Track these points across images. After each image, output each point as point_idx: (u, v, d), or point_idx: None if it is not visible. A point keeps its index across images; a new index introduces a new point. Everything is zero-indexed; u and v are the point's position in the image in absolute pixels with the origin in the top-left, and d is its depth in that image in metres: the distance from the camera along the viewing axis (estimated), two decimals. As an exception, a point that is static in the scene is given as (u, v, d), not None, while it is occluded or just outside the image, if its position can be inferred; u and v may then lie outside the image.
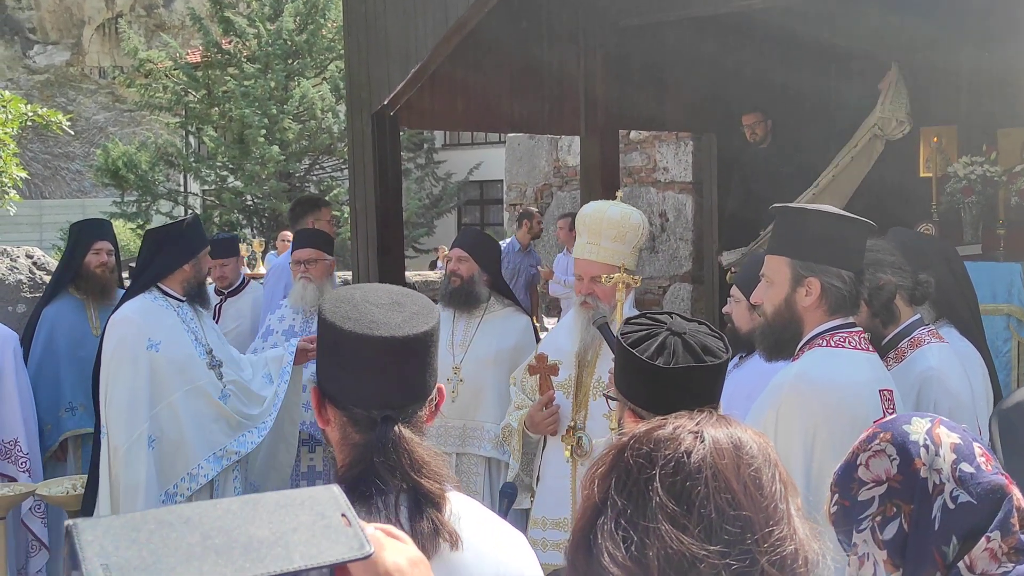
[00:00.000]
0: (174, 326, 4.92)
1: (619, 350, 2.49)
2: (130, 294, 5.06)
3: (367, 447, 1.80)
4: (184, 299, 5.01)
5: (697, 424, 1.50)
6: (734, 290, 4.03)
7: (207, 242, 5.18)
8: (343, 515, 1.07)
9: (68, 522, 0.97)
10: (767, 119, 8.31)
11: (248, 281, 6.61)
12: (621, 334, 2.49)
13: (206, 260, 5.11)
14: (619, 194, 4.17)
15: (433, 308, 1.93)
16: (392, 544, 1.23)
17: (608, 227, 3.86)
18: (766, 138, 8.32)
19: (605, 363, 3.76)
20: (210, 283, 6.50)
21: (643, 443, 1.48)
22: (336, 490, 1.09)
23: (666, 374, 2.37)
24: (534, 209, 10.98)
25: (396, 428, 1.80)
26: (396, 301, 1.89)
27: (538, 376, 4.08)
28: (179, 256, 4.97)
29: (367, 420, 1.83)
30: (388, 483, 1.77)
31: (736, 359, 4.02)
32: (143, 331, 4.84)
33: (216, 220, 21.57)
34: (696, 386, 2.38)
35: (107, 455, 4.84)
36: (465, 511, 1.85)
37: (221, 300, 6.49)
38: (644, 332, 2.46)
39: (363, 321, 1.83)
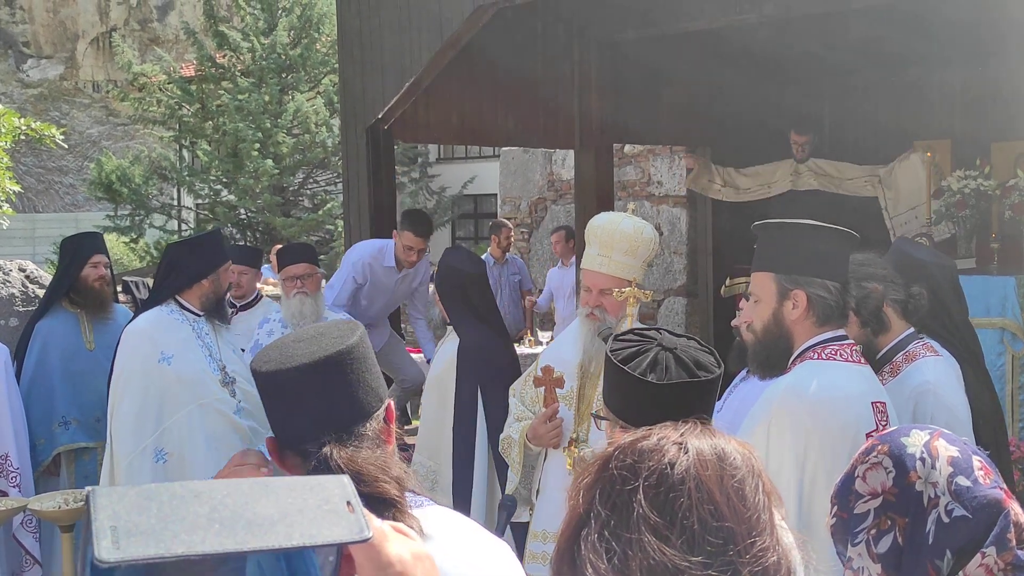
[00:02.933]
0: (187, 340, 4.89)
1: (610, 367, 2.44)
2: (148, 306, 5.05)
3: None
4: (202, 314, 4.97)
5: (681, 435, 1.50)
6: (743, 303, 4.03)
7: (228, 257, 5.13)
8: (348, 502, 1.09)
9: (87, 489, 1.01)
10: (815, 139, 8.42)
11: (261, 297, 6.56)
12: (611, 351, 2.44)
13: (226, 276, 5.06)
14: (631, 207, 4.14)
15: (355, 329, 1.93)
16: (398, 537, 1.25)
17: (621, 240, 3.83)
18: (808, 156, 8.39)
19: None
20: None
21: (627, 454, 1.48)
22: (345, 480, 1.11)
23: (659, 390, 2.32)
24: (504, 220, 10.92)
25: (329, 449, 1.81)
26: (321, 333, 1.91)
27: (541, 388, 4.04)
28: (198, 270, 4.94)
29: (315, 451, 1.84)
30: None
31: (743, 372, 4.01)
32: (156, 344, 4.83)
33: (210, 234, 21.50)
34: (690, 402, 2.32)
35: (108, 467, 4.80)
36: (441, 521, 1.86)
37: (233, 313, 6.40)
38: (635, 348, 2.42)
39: (280, 359, 1.86)
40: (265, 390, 1.89)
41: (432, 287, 5.27)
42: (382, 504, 1.78)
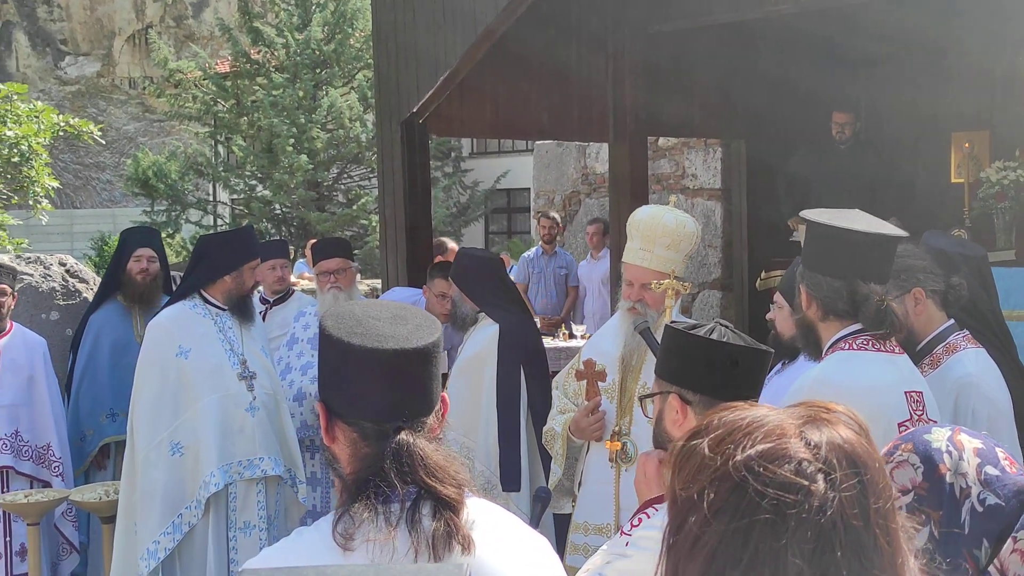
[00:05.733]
0: (207, 334, 4.89)
1: (669, 335, 2.58)
2: (174, 299, 5.07)
3: (379, 456, 1.81)
4: (226, 308, 4.96)
5: (815, 451, 1.30)
6: (777, 296, 4.01)
7: (255, 255, 5.08)
8: None
9: (242, 567, 1.06)
10: (857, 120, 8.23)
11: (293, 291, 6.57)
12: (669, 325, 2.60)
13: (250, 274, 5.01)
14: (673, 199, 4.11)
15: (434, 321, 1.96)
16: None
17: (663, 234, 3.81)
18: (850, 139, 8.20)
19: (650, 368, 3.70)
20: (259, 292, 6.47)
21: (766, 481, 1.26)
22: (464, 568, 1.11)
23: (721, 349, 2.47)
24: (547, 212, 10.89)
25: (408, 436, 1.82)
26: (397, 315, 1.93)
27: (583, 381, 4.04)
28: (221, 266, 4.93)
29: (377, 432, 1.84)
30: (397, 488, 1.78)
31: (779, 365, 4.00)
32: (173, 338, 4.84)
33: (245, 229, 21.65)
34: (747, 368, 2.48)
35: (129, 459, 4.84)
36: (484, 515, 1.86)
37: (267, 308, 6.40)
38: (692, 324, 2.59)
39: (370, 335, 1.85)
40: (345, 359, 1.86)
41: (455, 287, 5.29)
42: (444, 505, 1.79)
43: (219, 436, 4.78)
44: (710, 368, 2.48)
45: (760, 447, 1.28)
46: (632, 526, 2.54)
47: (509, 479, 4.81)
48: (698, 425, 1.36)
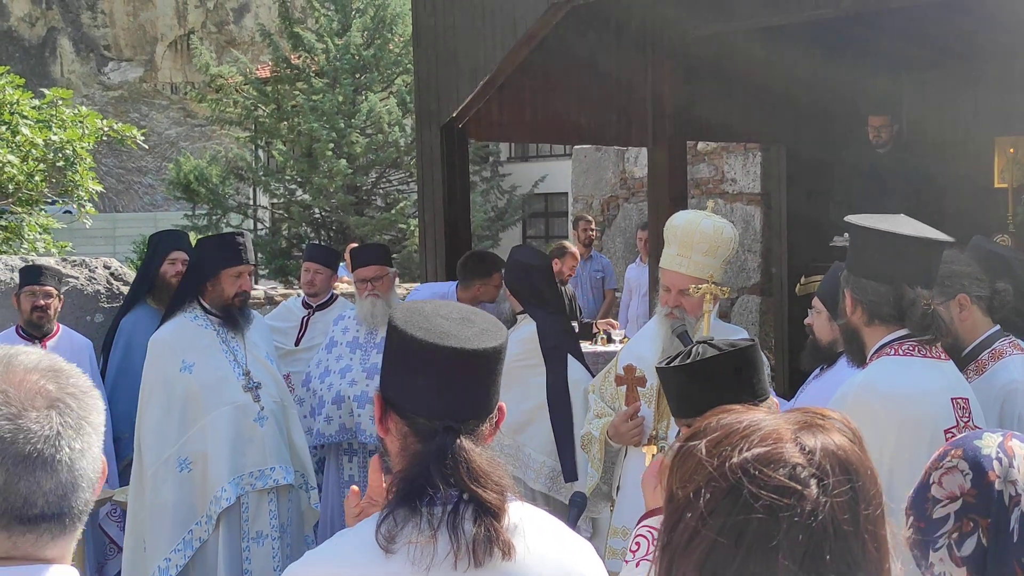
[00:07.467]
0: (210, 346, 4.79)
1: (660, 377, 2.62)
2: (171, 308, 4.95)
3: (425, 455, 1.82)
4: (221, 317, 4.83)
5: (809, 456, 1.32)
6: (815, 301, 3.99)
7: (238, 261, 4.79)
8: None
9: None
10: (894, 123, 8.15)
11: (336, 297, 6.60)
12: (656, 366, 2.65)
13: (231, 281, 4.77)
14: (711, 204, 4.09)
15: (502, 327, 1.96)
16: None
17: (700, 240, 3.80)
18: (888, 143, 8.12)
19: None
20: (298, 295, 6.48)
21: (761, 484, 1.28)
22: None
23: (691, 370, 2.50)
24: (583, 214, 10.86)
25: (456, 438, 1.82)
26: (466, 317, 1.93)
27: (622, 386, 4.04)
28: (201, 273, 4.82)
29: (428, 430, 1.85)
30: (441, 491, 1.79)
31: (817, 370, 3.98)
32: (176, 353, 4.75)
33: (285, 233, 21.86)
34: (727, 376, 2.48)
35: (136, 477, 4.79)
36: (527, 520, 1.86)
37: (309, 313, 6.40)
38: (671, 356, 2.65)
39: (434, 331, 1.85)
40: (405, 352, 1.88)
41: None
42: (485, 510, 1.80)
43: (229, 448, 4.70)
44: (693, 391, 2.51)
45: (756, 451, 1.31)
46: (632, 552, 2.53)
47: (569, 470, 4.87)
48: (696, 426, 1.40)
